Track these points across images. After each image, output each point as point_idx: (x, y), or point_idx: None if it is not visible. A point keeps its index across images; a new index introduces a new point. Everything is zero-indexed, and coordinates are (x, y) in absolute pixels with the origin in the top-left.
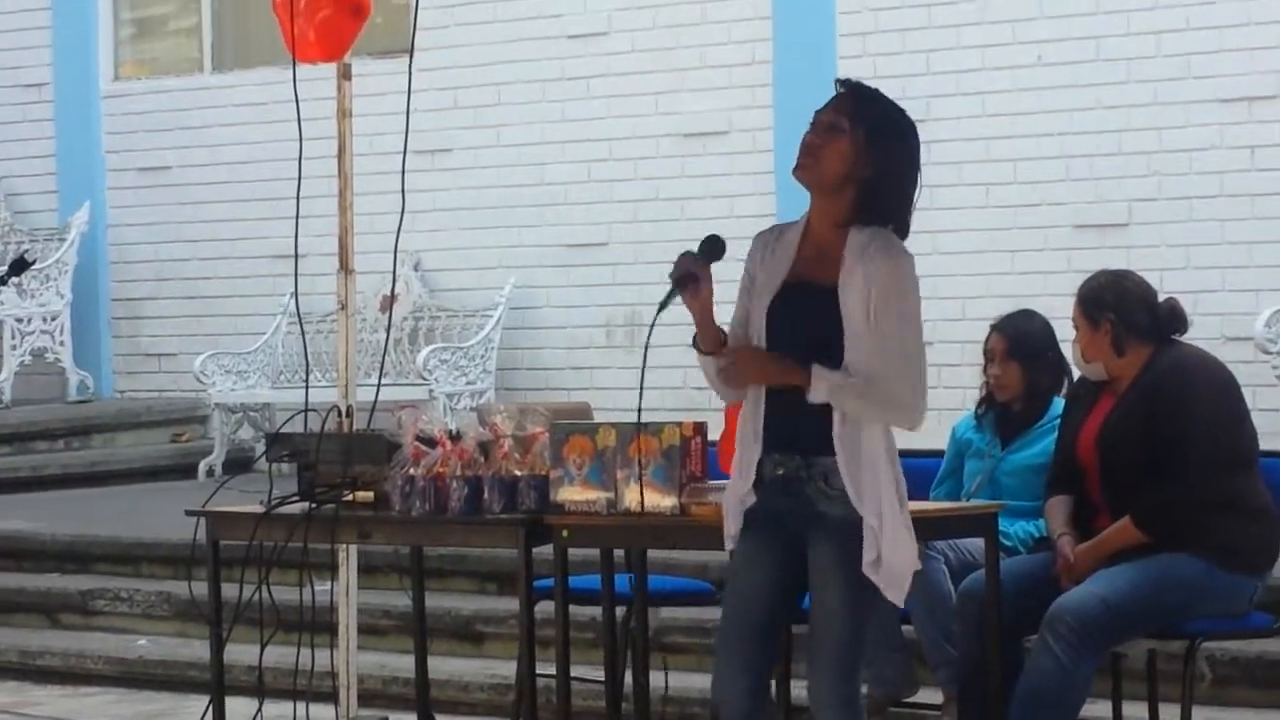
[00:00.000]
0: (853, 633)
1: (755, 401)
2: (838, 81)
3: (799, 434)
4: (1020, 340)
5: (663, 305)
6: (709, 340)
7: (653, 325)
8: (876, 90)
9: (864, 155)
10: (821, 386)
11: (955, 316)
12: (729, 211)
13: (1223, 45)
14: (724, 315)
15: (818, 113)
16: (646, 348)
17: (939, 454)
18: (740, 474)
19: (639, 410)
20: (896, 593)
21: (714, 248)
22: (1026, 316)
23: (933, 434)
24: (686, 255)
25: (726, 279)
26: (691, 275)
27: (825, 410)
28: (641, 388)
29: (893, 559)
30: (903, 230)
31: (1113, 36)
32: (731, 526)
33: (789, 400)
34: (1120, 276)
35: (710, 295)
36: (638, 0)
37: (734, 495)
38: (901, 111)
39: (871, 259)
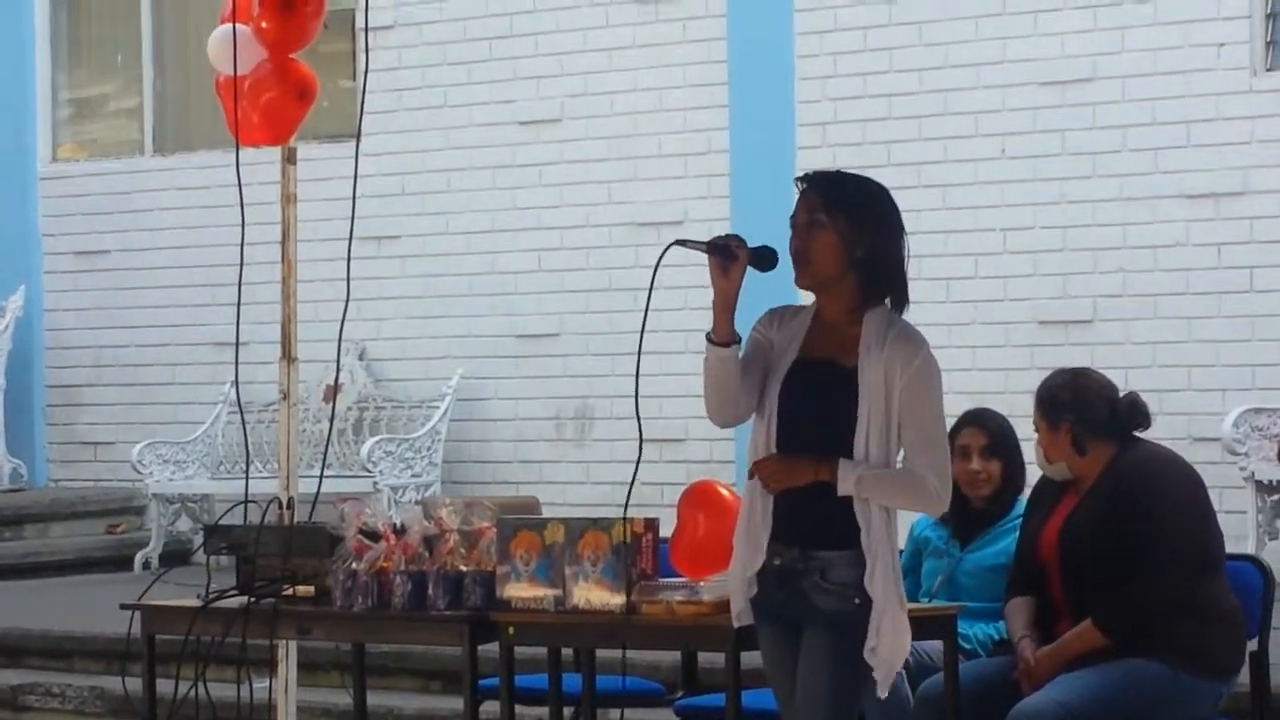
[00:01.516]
0: (835, 716)
1: (756, 489)
2: (798, 180)
3: (801, 527)
4: (1000, 436)
5: (682, 243)
6: (723, 329)
7: (656, 268)
8: (838, 172)
9: (852, 240)
10: (850, 480)
11: None
12: (683, 303)
13: (1190, 141)
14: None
15: (792, 216)
16: (644, 326)
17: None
18: (745, 559)
19: (638, 410)
20: (885, 682)
21: (764, 256)
22: (994, 413)
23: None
24: (735, 236)
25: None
26: (729, 249)
27: (832, 503)
28: (637, 376)
29: (889, 649)
30: (903, 299)
31: (1078, 130)
32: (736, 605)
33: (802, 493)
34: (1078, 374)
35: (739, 281)
36: (592, 87)
37: (738, 577)
38: (870, 181)
39: (892, 345)
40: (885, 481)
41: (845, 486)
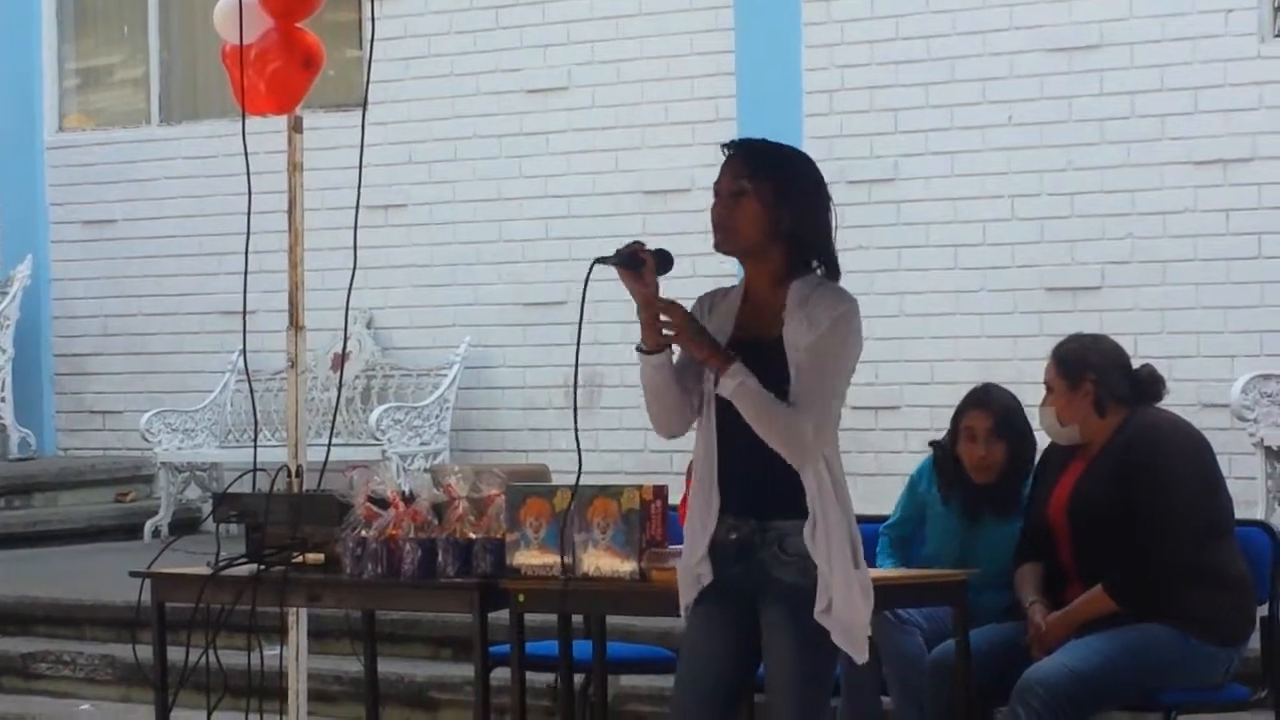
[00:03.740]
0: (809, 696)
1: (709, 461)
2: (724, 146)
3: (756, 496)
4: (1005, 418)
5: (601, 260)
6: (651, 337)
7: (585, 288)
8: (764, 140)
9: (777, 209)
10: (733, 380)
11: (923, 380)
12: (691, 270)
13: (1198, 107)
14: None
15: (715, 183)
16: (580, 325)
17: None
18: (694, 540)
19: (575, 385)
20: (852, 647)
21: (664, 260)
22: (999, 390)
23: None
24: (638, 242)
25: None
26: (636, 256)
27: (785, 472)
28: (577, 363)
29: (843, 609)
30: (834, 269)
31: (1085, 96)
32: (685, 597)
33: (746, 458)
34: (1099, 339)
35: (655, 285)
36: (600, 55)
37: (686, 565)
38: (795, 151)
39: (814, 303)
40: (763, 400)
41: (726, 385)
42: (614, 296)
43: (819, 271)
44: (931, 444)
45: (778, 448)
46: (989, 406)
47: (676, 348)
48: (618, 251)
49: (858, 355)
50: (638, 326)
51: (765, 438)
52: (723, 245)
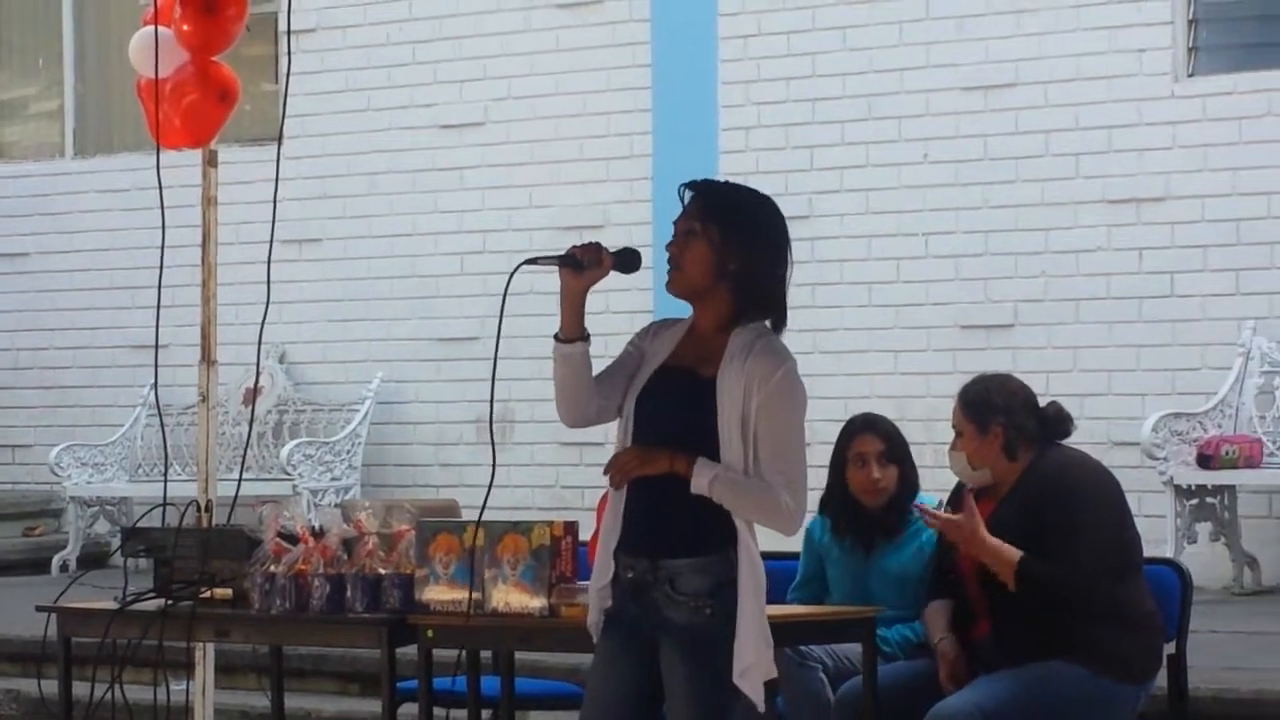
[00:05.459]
0: None
1: (618, 498)
2: (683, 186)
3: (651, 535)
4: (896, 442)
5: (530, 261)
6: (569, 326)
7: (506, 291)
8: (725, 183)
9: (724, 252)
10: (705, 477)
11: (837, 417)
12: (605, 307)
13: (1111, 146)
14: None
15: (675, 222)
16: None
17: (796, 555)
18: (599, 570)
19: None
20: (760, 699)
21: (627, 259)
22: (882, 418)
23: (798, 535)
24: (596, 244)
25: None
26: (575, 259)
27: (679, 511)
28: (494, 374)
29: (756, 669)
30: (781, 319)
31: (1001, 135)
32: (592, 614)
33: (645, 498)
34: (1004, 380)
35: (590, 283)
36: (515, 90)
37: (594, 589)
38: (754, 195)
39: (755, 358)
40: (740, 487)
41: (699, 484)
42: (528, 332)
43: (767, 324)
44: (821, 502)
45: (763, 524)
46: (878, 429)
47: (592, 342)
48: (568, 250)
49: (805, 405)
50: (549, 363)
51: (749, 519)
52: (671, 284)
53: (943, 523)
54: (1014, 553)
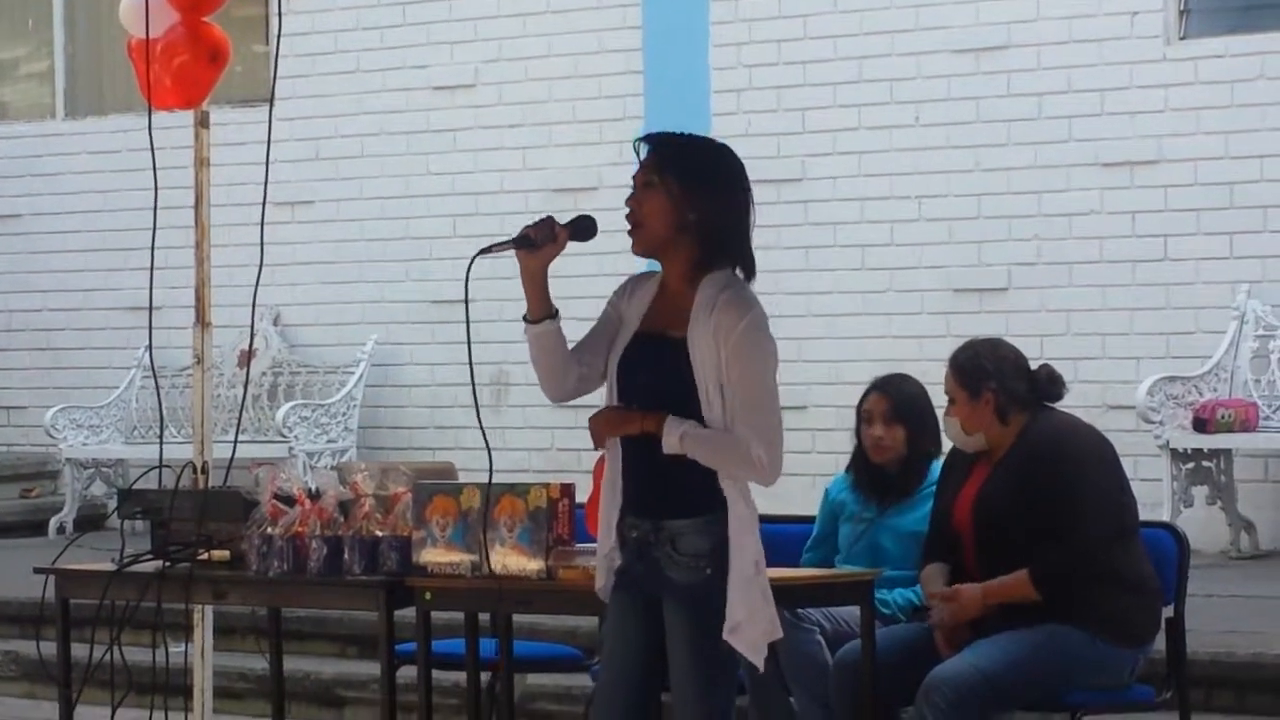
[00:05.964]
0: (710, 694)
1: (614, 460)
2: (638, 140)
3: (652, 496)
4: (905, 403)
5: (486, 250)
6: (535, 306)
7: (466, 281)
8: (680, 134)
9: (683, 202)
10: (674, 435)
11: (829, 380)
12: (598, 269)
13: (1104, 109)
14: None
15: (633, 177)
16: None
17: (811, 519)
18: (604, 533)
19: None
20: (755, 657)
21: (582, 227)
22: (906, 379)
23: (806, 499)
24: (549, 219)
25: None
26: (528, 239)
27: (679, 472)
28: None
29: (749, 626)
30: (749, 267)
31: (993, 98)
32: (600, 579)
33: (644, 460)
34: (995, 344)
35: (548, 260)
36: (507, 52)
37: (601, 551)
38: (710, 143)
39: (720, 310)
40: (709, 442)
41: (670, 443)
42: (519, 295)
43: (737, 271)
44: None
45: (739, 478)
46: (886, 389)
47: (561, 319)
48: (522, 231)
49: (775, 353)
50: None
51: (726, 473)
52: (634, 241)
53: (949, 613)
54: (1019, 574)
